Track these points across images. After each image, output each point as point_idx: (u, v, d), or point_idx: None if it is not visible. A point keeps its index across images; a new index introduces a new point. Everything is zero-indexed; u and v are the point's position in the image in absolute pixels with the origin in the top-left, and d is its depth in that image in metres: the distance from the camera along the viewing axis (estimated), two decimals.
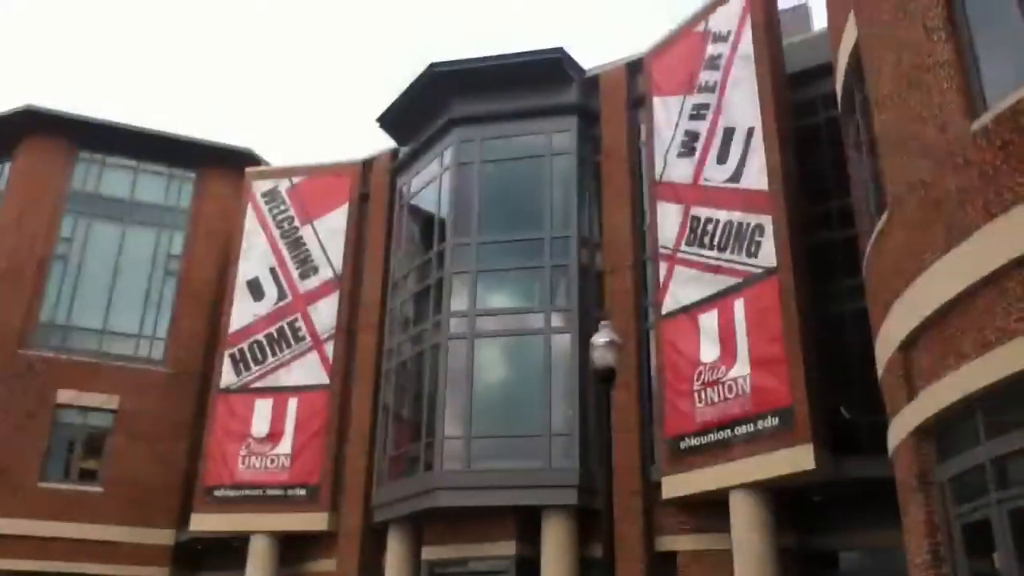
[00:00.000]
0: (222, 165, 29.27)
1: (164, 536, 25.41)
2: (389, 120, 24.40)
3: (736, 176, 17.61)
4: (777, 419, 15.34)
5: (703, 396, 16.81)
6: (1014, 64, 8.27)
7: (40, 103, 27.99)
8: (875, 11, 10.65)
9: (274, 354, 24.32)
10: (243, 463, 23.19)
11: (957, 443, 8.90)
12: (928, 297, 8.98)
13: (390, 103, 23.92)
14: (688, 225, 18.30)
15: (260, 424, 23.50)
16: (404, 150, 24.77)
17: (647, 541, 17.58)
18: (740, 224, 17.21)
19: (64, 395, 25.36)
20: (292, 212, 25.83)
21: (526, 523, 18.97)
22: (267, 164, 29.01)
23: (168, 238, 28.54)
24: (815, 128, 18.65)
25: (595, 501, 17.93)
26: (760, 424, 15.59)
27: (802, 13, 21.49)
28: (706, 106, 18.83)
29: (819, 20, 21.20)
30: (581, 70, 22.06)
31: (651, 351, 18.96)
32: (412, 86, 23.08)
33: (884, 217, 10.31)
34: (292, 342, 24.34)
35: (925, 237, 9.10)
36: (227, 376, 24.40)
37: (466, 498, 18.79)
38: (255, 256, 25.60)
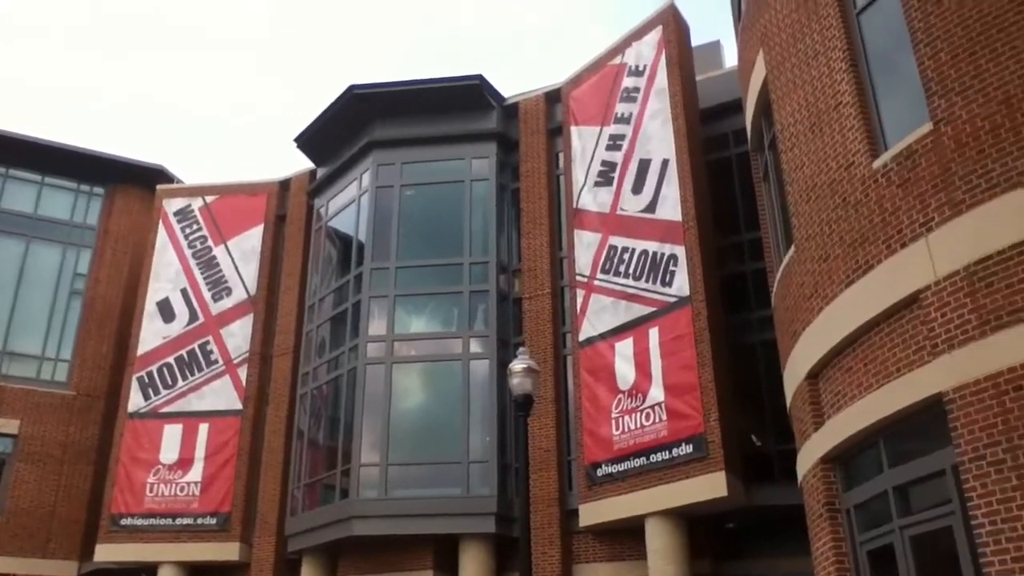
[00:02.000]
0: (133, 182, 28.48)
1: (66, 568, 24.34)
2: (307, 141, 24.16)
3: (651, 207, 17.97)
4: (691, 446, 15.61)
5: (620, 423, 17.00)
6: (911, 105, 8.66)
7: None
8: (783, 51, 11.06)
9: (185, 378, 23.67)
10: (151, 491, 22.44)
11: (862, 471, 9.19)
12: (833, 329, 9.30)
13: (309, 123, 23.72)
14: (605, 253, 18.57)
15: (169, 450, 22.79)
16: (322, 171, 24.53)
17: (564, 569, 17.60)
18: (655, 254, 17.54)
19: None
20: (205, 232, 25.26)
21: (444, 552, 18.81)
22: (180, 182, 28.34)
23: (74, 256, 27.51)
24: (727, 162, 19.23)
25: (513, 529, 17.92)
26: (675, 451, 15.83)
27: (714, 50, 22.13)
28: (622, 137, 19.19)
29: (731, 58, 21.87)
30: (500, 97, 22.26)
31: (569, 378, 19.10)
32: (331, 107, 22.92)
33: (791, 250, 10.65)
34: (204, 365, 23.73)
35: (830, 271, 9.43)
36: (135, 400, 23.63)
37: (383, 527, 18.54)
38: (166, 276, 24.94)
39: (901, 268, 8.30)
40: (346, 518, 18.78)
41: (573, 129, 20.54)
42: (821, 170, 9.82)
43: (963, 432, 7.32)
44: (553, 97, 21.80)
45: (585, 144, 20.04)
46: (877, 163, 8.83)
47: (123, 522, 22.32)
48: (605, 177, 19.28)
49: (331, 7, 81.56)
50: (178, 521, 22.08)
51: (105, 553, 22.29)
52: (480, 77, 21.61)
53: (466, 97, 21.87)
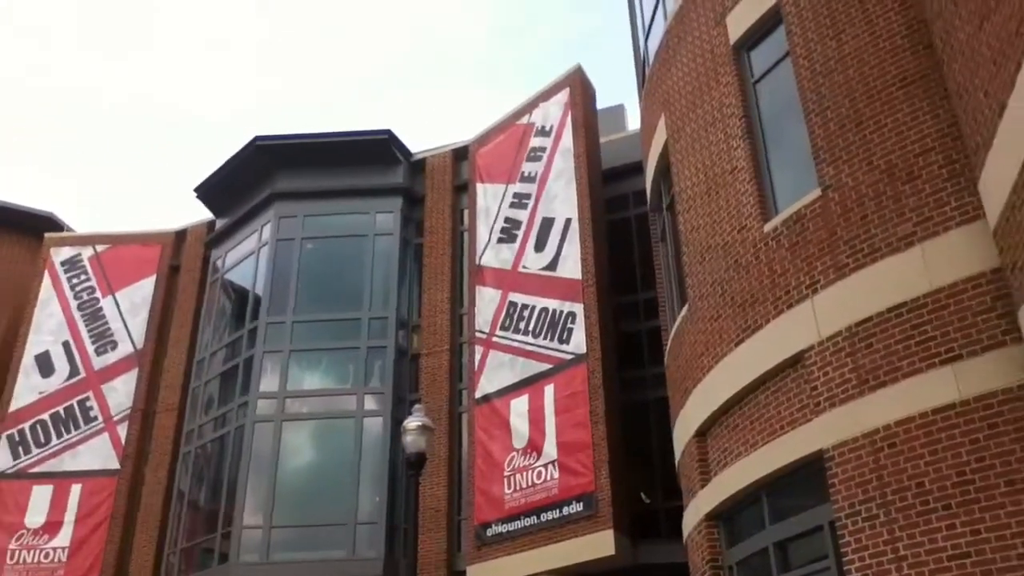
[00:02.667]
0: (18, 229, 27.10)
1: None
2: (207, 191, 23.53)
3: (553, 265, 18.07)
4: (581, 504, 15.49)
5: (513, 482, 16.75)
6: (801, 171, 8.93)
7: None
8: (683, 116, 11.32)
9: (60, 436, 22.30)
10: (12, 558, 20.81)
11: (745, 528, 9.19)
12: (722, 387, 9.36)
13: (209, 173, 23.18)
14: (505, 310, 18.53)
15: (36, 514, 21.24)
16: (222, 222, 23.89)
17: None
18: (555, 311, 17.57)
19: None
20: (93, 282, 24.15)
21: None
22: (70, 230, 27.20)
23: None
24: (626, 222, 19.55)
25: None
26: (565, 510, 15.67)
27: (618, 113, 22.72)
28: (527, 196, 19.36)
29: (634, 121, 22.39)
30: (408, 152, 22.22)
31: (464, 436, 18.79)
32: (234, 158, 22.46)
33: (685, 310, 10.75)
34: (81, 423, 22.41)
35: (720, 330, 9.53)
36: (2, 459, 22.03)
37: None
38: (48, 328, 23.64)
39: (787, 328, 8.44)
40: None
41: (479, 186, 20.62)
42: (715, 232, 10.00)
43: (840, 488, 7.40)
44: (460, 154, 21.90)
45: (490, 201, 20.12)
46: (768, 227, 9.03)
47: None
48: (508, 234, 19.36)
49: (331, 7, 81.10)
50: None
51: None
52: (388, 132, 21.57)
53: (373, 151, 21.74)
